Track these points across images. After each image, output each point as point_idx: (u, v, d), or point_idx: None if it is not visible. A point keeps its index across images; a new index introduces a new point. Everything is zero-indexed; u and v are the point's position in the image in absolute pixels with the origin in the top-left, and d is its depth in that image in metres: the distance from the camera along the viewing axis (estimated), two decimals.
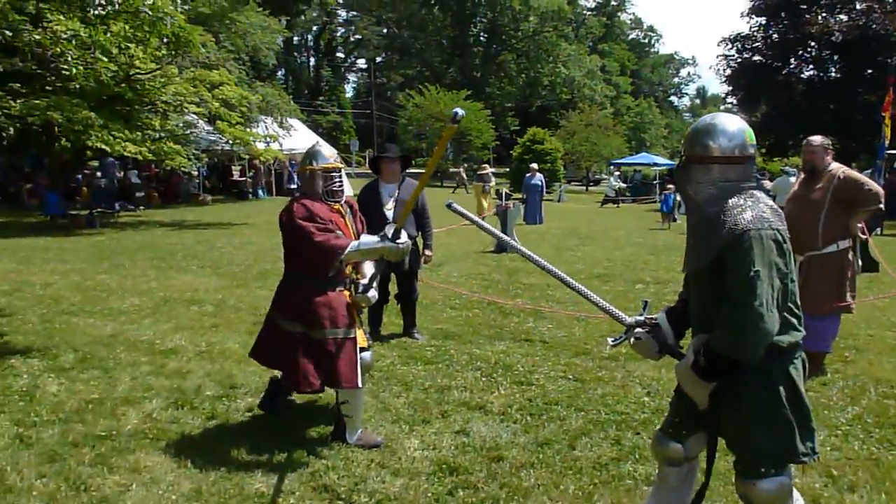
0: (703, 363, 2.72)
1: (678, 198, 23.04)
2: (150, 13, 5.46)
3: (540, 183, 21.15)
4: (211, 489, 3.71)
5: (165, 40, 6.38)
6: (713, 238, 2.71)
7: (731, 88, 36.89)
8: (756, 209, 2.67)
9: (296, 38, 69.59)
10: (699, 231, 2.85)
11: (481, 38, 67.08)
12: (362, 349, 4.40)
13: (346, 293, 4.41)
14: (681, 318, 3.07)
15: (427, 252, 7.16)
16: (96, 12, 5.80)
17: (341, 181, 4.47)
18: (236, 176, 32.51)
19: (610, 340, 3.15)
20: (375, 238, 4.19)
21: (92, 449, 4.17)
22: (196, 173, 28.20)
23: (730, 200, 2.72)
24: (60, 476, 3.82)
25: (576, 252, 14.14)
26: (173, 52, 7.69)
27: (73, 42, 6.02)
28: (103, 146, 15.28)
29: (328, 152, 4.53)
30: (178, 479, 3.82)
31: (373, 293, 4.49)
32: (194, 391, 5.23)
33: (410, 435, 4.52)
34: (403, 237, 4.19)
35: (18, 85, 15.63)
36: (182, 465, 3.97)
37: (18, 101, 14.99)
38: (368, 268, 4.60)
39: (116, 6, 5.44)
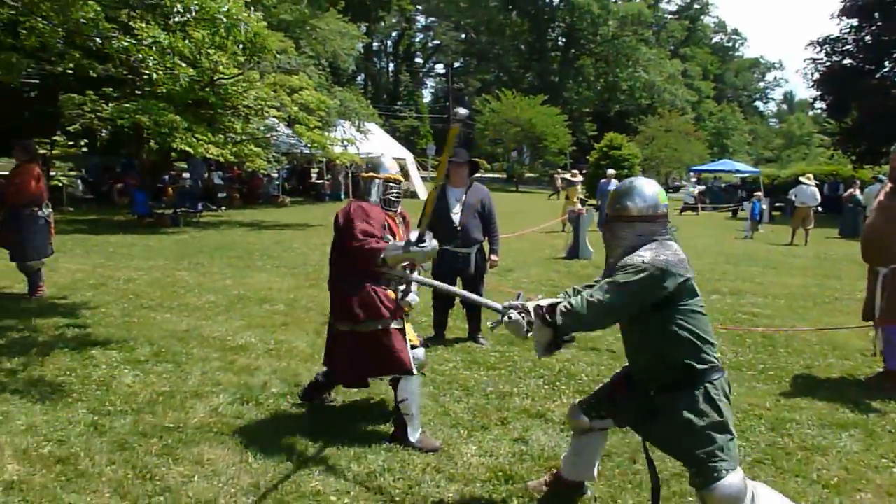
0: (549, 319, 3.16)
1: (765, 206, 22.32)
2: (226, 20, 5.64)
3: None
4: (269, 485, 3.78)
5: (241, 46, 6.55)
6: None
7: (819, 93, 35.43)
8: (657, 251, 3.11)
9: (375, 44, 70.71)
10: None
11: (559, 43, 66.60)
12: (413, 347, 4.48)
13: (392, 293, 4.50)
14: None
15: (493, 257, 7.14)
16: (177, 20, 6.02)
17: (399, 192, 4.59)
18: (314, 178, 33.21)
19: (489, 324, 3.49)
20: (401, 244, 4.22)
21: (160, 440, 4.32)
22: (276, 175, 28.97)
23: (641, 249, 3.15)
24: (129, 464, 3.97)
25: None
26: (249, 57, 7.92)
27: (154, 48, 6.28)
28: (187, 148, 15.84)
29: (390, 164, 4.69)
30: (239, 472, 3.91)
31: (412, 297, 4.49)
32: (260, 388, 5.35)
33: (468, 440, 4.50)
34: (429, 241, 4.14)
35: (111, 89, 16.41)
36: (243, 460, 4.07)
37: (110, 104, 15.73)
38: (415, 274, 4.63)
39: (194, 13, 5.65)
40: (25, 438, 4.24)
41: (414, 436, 4.37)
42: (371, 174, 4.62)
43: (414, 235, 4.18)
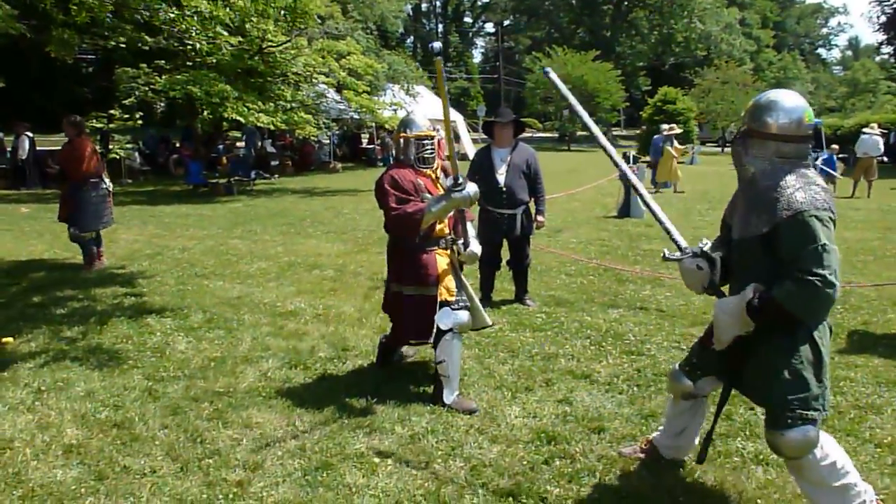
0: (756, 304, 2.89)
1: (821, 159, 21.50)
2: None
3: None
4: (314, 447, 3.86)
5: (283, 12, 6.54)
6: (767, 213, 2.91)
7: (886, 37, 33.82)
8: (809, 190, 2.86)
9: (424, 5, 70.21)
10: (751, 203, 3.04)
11: None
12: (447, 303, 4.51)
13: (444, 252, 4.61)
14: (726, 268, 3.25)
15: (539, 218, 7.06)
16: None
17: (433, 148, 4.58)
18: (365, 143, 33.30)
19: (666, 251, 3.31)
20: (440, 195, 4.35)
21: (211, 404, 4.45)
22: (327, 141, 29.14)
23: (783, 178, 2.93)
24: (181, 428, 4.10)
25: (704, 217, 13.53)
26: (290, 24, 7.93)
27: (196, 18, 6.33)
28: (238, 117, 16.02)
29: (421, 121, 4.69)
30: (285, 435, 4.01)
31: (474, 248, 4.67)
32: (308, 352, 5.45)
33: (512, 402, 4.52)
34: (468, 186, 4.26)
35: (163, 62, 16.67)
36: (290, 423, 4.17)
37: (163, 77, 16.00)
38: (469, 227, 4.74)
39: None
40: (84, 404, 4.42)
41: (449, 398, 4.42)
42: (404, 134, 4.61)
43: (449, 182, 4.27)
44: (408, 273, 4.52)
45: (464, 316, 4.53)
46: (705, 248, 3.21)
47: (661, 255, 3.36)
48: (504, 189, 6.70)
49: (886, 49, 37.02)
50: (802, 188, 2.87)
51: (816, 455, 2.98)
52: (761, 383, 3.03)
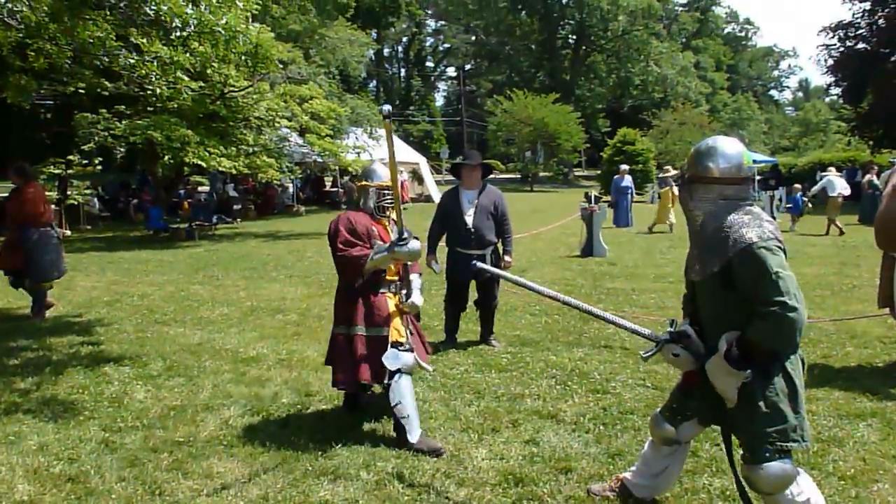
0: (735, 353, 2.91)
1: (781, 196, 22.06)
2: (224, 32, 5.67)
3: (630, 184, 20.64)
4: (277, 496, 3.77)
5: (243, 57, 6.58)
6: (718, 251, 3.01)
7: (833, 79, 34.99)
8: (756, 224, 2.97)
9: (386, 50, 71.03)
10: (703, 244, 3.16)
11: (570, 41, 66.33)
12: (398, 344, 4.54)
13: (392, 296, 4.68)
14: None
15: (507, 258, 7.09)
16: (177, 34, 6.05)
17: (392, 199, 4.64)
18: (329, 186, 33.30)
19: (643, 353, 3.34)
20: (384, 246, 4.44)
21: (170, 454, 4.32)
22: (290, 185, 29.07)
23: (729, 217, 3.04)
24: (139, 480, 3.97)
25: (666, 255, 13.70)
26: (251, 69, 7.98)
27: (156, 63, 6.33)
28: (199, 162, 15.94)
29: (383, 171, 4.77)
30: (247, 485, 3.90)
31: (415, 299, 4.69)
32: (271, 399, 5.35)
33: (479, 444, 4.47)
34: (411, 243, 4.35)
35: (123, 107, 16.58)
36: (252, 472, 4.06)
37: (123, 122, 15.90)
38: (414, 278, 4.75)
39: (193, 27, 5.70)
40: (37, 458, 4.26)
41: (413, 437, 4.38)
42: (365, 183, 4.69)
43: (394, 235, 4.36)
44: (360, 314, 4.58)
45: (409, 358, 4.56)
46: (675, 329, 3.25)
47: (640, 356, 3.45)
48: (472, 230, 6.73)
49: (835, 90, 38.18)
50: (748, 224, 2.96)
51: (793, 491, 2.99)
52: (742, 418, 3.03)
